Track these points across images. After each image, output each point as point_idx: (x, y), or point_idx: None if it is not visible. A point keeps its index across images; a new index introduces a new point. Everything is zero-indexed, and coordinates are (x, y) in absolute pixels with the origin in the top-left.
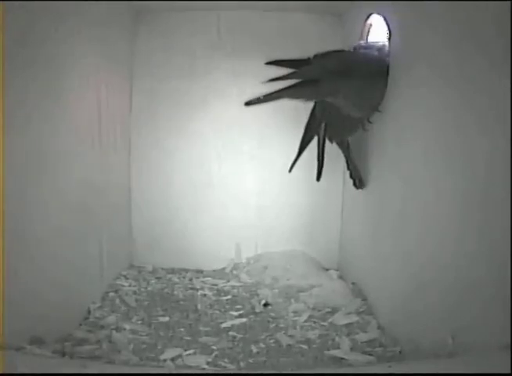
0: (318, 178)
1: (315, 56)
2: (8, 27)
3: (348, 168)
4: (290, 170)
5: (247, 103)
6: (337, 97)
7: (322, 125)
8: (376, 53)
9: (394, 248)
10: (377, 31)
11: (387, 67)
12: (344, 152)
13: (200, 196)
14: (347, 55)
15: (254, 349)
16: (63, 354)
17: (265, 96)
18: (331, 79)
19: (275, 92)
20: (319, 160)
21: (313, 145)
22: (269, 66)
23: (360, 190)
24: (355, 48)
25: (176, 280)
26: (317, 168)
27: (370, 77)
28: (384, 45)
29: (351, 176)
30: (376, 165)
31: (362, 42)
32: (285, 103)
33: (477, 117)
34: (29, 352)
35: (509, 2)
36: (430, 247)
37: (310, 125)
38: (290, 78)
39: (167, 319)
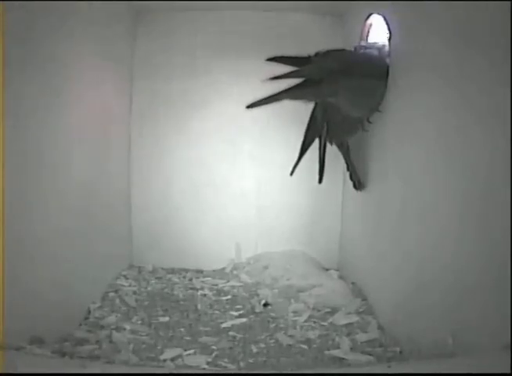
0: (320, 181)
1: (316, 54)
2: (8, 27)
3: (348, 170)
4: (292, 173)
5: (249, 106)
6: (338, 97)
7: (324, 128)
8: (376, 53)
9: (394, 248)
10: (377, 31)
11: (388, 67)
12: (343, 154)
13: (200, 196)
14: (348, 54)
15: (254, 349)
16: (63, 354)
17: (266, 99)
18: (332, 79)
19: (277, 93)
20: (320, 162)
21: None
22: (270, 64)
23: (360, 191)
24: (355, 48)
25: (176, 280)
26: (318, 171)
27: (371, 77)
28: (384, 45)
29: (351, 178)
30: (376, 166)
31: (363, 42)
32: (285, 104)
33: (477, 117)
34: (29, 352)
35: (509, 2)
36: (429, 247)
37: (310, 128)
38: (292, 77)
39: (167, 319)
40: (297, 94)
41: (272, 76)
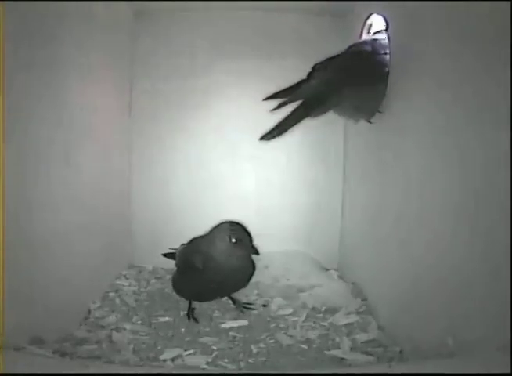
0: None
1: (314, 68)
2: (8, 28)
3: None
4: None
5: (262, 138)
6: (340, 106)
7: None
8: (369, 48)
9: (394, 248)
10: (376, 29)
11: (387, 67)
12: None
13: (200, 196)
14: (343, 60)
15: (254, 349)
16: (63, 354)
17: (277, 128)
18: (334, 91)
19: (285, 120)
20: None
21: (308, 143)
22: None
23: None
24: (350, 47)
25: None
26: None
27: (371, 80)
28: (375, 40)
29: None
30: (377, 166)
31: (356, 42)
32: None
33: (476, 117)
34: (29, 352)
35: (509, 2)
36: (430, 247)
37: None
38: (293, 101)
39: (167, 319)
40: (304, 114)
41: (275, 107)
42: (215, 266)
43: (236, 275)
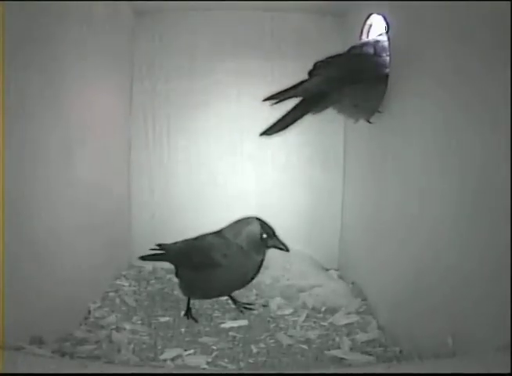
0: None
1: (315, 66)
2: (8, 28)
3: None
4: None
5: (263, 134)
6: (341, 104)
7: None
8: (371, 51)
9: (394, 248)
10: (377, 31)
11: (387, 68)
12: None
13: (200, 196)
14: (345, 59)
15: (254, 349)
16: (63, 354)
17: (278, 124)
18: (335, 88)
19: (286, 116)
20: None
21: (308, 143)
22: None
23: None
24: (351, 48)
25: (176, 280)
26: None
27: (371, 79)
28: (377, 41)
29: None
30: (377, 165)
31: (357, 43)
32: (284, 102)
33: (476, 117)
34: (29, 352)
35: (509, 3)
36: (430, 247)
37: None
38: (295, 96)
39: (167, 319)
40: (305, 110)
41: (274, 97)
42: (239, 262)
43: (253, 270)
